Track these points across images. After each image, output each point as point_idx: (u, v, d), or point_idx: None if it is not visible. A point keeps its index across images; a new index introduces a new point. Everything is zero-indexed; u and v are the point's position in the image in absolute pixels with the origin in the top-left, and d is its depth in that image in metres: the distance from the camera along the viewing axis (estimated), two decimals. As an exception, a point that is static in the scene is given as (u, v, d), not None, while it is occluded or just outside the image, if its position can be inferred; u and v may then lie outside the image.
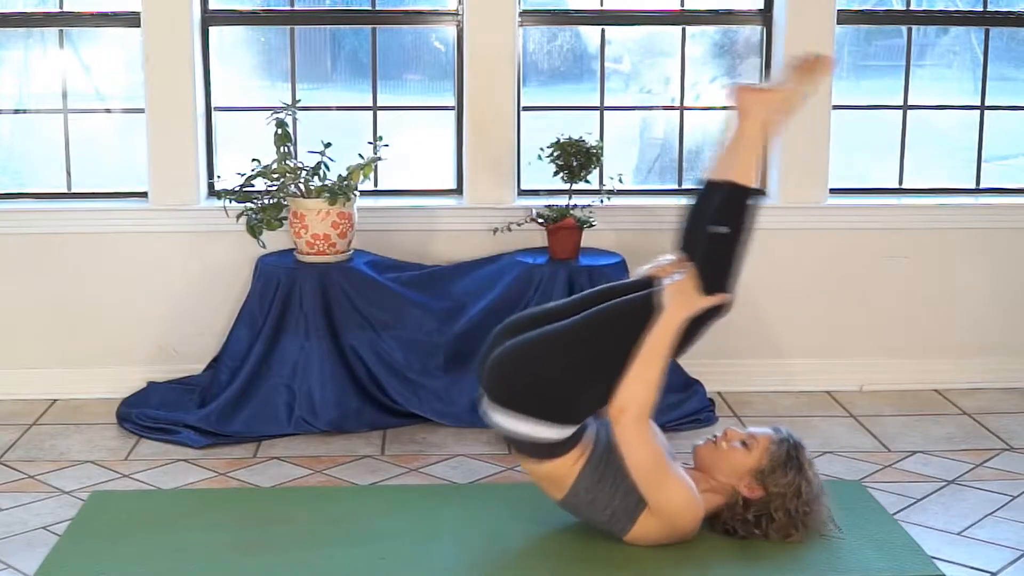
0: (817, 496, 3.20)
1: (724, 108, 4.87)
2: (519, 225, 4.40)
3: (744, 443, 3.20)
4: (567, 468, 3.12)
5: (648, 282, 3.26)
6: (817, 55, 3.31)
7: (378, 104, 4.70)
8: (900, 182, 4.86)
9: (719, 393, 4.55)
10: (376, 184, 4.71)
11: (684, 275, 3.13)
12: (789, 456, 3.17)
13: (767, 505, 3.16)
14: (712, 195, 3.20)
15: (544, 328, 3.18)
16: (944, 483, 3.73)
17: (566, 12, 4.81)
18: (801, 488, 3.16)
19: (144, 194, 4.58)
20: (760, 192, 3.24)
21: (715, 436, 3.27)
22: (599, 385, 3.09)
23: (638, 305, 3.15)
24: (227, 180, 4.40)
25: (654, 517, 3.11)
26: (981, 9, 4.81)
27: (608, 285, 3.42)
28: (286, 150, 4.29)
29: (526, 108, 4.67)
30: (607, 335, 3.12)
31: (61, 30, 4.60)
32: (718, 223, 3.15)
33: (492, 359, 3.17)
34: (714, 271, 3.13)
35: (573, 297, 3.44)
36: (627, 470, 3.08)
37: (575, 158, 4.28)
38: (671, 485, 3.09)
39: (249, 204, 4.31)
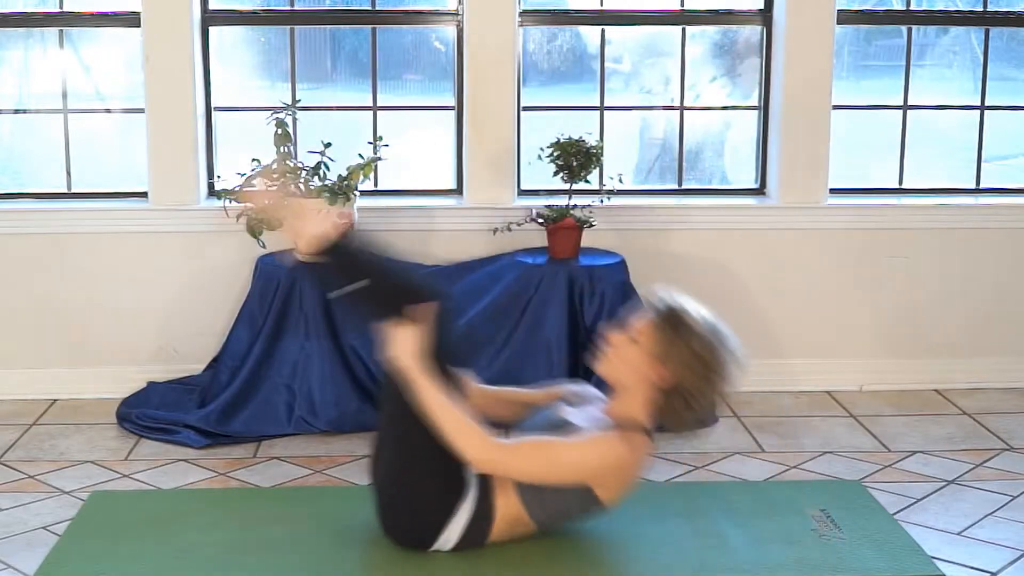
0: (715, 343, 3.07)
1: (724, 108, 4.90)
2: (519, 225, 4.40)
3: (630, 339, 3.09)
4: (512, 512, 3.09)
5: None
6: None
7: (378, 104, 4.70)
8: (900, 182, 4.86)
9: (728, 393, 4.53)
10: (376, 184, 4.71)
11: (385, 329, 3.07)
12: (671, 324, 3.05)
13: (682, 382, 3.05)
14: (319, 270, 3.22)
15: (373, 455, 3.17)
16: (944, 483, 3.73)
17: (566, 12, 4.81)
18: (695, 347, 3.04)
19: (144, 194, 4.58)
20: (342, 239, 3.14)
21: (603, 349, 3.16)
22: (437, 460, 3.03)
23: (393, 387, 3.08)
24: (227, 180, 4.40)
25: (599, 482, 3.06)
26: (981, 9, 4.81)
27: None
28: (286, 150, 4.28)
29: (526, 108, 4.67)
30: (410, 431, 3.05)
31: (61, 30, 4.60)
32: (343, 285, 3.10)
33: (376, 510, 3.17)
34: (383, 310, 3.08)
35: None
36: None
37: (575, 158, 4.28)
38: (573, 457, 3.02)
39: (249, 204, 4.30)
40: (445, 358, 3.08)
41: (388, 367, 3.07)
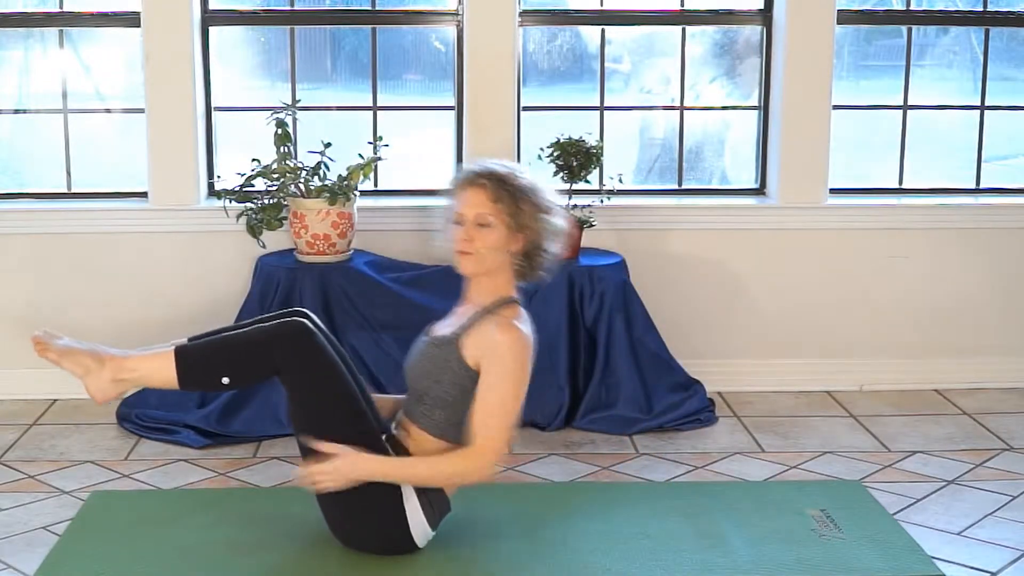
0: (534, 183, 3.09)
1: (724, 108, 4.90)
2: (519, 225, 4.39)
3: (480, 224, 3.06)
4: (427, 444, 3.08)
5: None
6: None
7: (378, 104, 4.70)
8: (900, 182, 4.86)
9: (719, 393, 4.55)
10: (376, 184, 4.71)
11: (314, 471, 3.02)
12: (509, 192, 3.04)
13: (534, 236, 3.08)
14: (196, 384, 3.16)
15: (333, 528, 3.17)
16: (944, 483, 3.73)
17: (566, 12, 4.81)
18: (532, 199, 3.06)
19: (144, 194, 4.58)
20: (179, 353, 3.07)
21: (459, 250, 3.10)
22: (344, 430, 3.03)
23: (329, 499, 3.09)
24: (227, 180, 4.40)
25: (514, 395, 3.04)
26: (981, 9, 4.81)
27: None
28: (286, 150, 4.29)
29: (526, 108, 4.67)
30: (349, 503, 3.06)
31: (61, 30, 4.60)
32: (215, 385, 3.08)
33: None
34: (259, 365, 3.06)
35: None
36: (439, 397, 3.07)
37: (575, 158, 4.28)
38: (516, 380, 3.02)
39: (249, 204, 4.31)
40: (350, 376, 3.07)
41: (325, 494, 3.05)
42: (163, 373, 3.03)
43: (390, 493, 3.04)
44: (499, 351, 3.02)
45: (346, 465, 2.97)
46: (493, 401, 3.00)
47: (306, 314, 3.25)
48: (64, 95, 4.63)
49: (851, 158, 4.92)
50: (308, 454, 3.04)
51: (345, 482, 2.98)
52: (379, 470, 3.00)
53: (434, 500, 3.08)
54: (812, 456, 3.96)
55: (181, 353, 3.03)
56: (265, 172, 4.25)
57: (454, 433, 3.07)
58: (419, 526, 3.08)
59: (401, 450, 3.10)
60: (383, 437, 3.09)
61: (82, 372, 3.07)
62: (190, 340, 3.16)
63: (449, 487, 3.10)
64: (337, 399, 3.03)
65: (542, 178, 3.14)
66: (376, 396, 3.30)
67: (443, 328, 3.18)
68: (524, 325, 3.10)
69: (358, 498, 3.03)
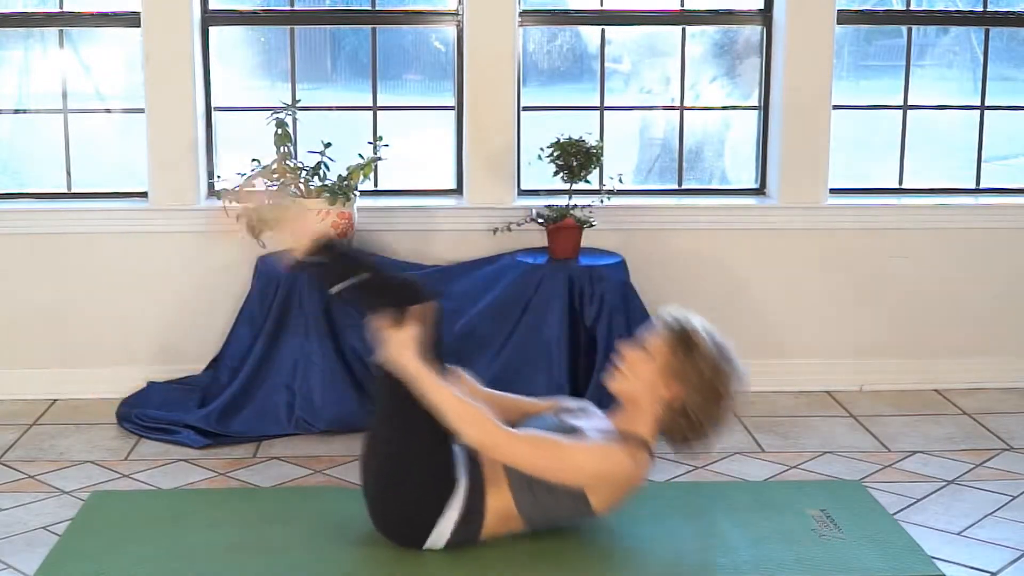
0: (720, 361, 3.12)
1: (724, 108, 4.90)
2: (519, 225, 4.40)
3: (643, 355, 3.14)
4: (503, 509, 3.10)
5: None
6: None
7: (378, 104, 4.70)
8: (900, 182, 4.86)
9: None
10: (376, 184, 4.71)
11: (381, 330, 3.09)
12: (683, 341, 3.11)
13: (689, 396, 3.10)
14: (316, 269, 3.23)
15: (363, 457, 3.18)
16: (944, 483, 3.73)
17: (566, 12, 4.81)
18: (702, 366, 3.09)
19: (144, 194, 4.58)
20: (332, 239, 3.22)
21: (615, 364, 3.21)
22: (427, 451, 3.07)
23: (387, 387, 3.10)
24: (227, 180, 4.40)
25: (596, 489, 3.08)
26: (981, 9, 4.81)
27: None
28: (286, 150, 4.29)
29: (526, 108, 4.67)
30: (401, 429, 3.09)
31: (61, 30, 4.60)
32: (339, 281, 3.14)
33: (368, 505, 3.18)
34: (386, 302, 3.12)
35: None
36: None
37: (575, 158, 4.28)
38: (576, 459, 3.05)
39: (247, 204, 4.30)
40: (440, 357, 3.13)
41: (384, 366, 3.08)
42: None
43: (437, 498, 3.06)
44: (603, 443, 3.10)
45: (406, 347, 3.03)
46: (557, 445, 3.05)
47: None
48: (64, 95, 4.63)
49: (851, 158, 4.92)
50: (386, 423, 3.11)
51: (395, 354, 3.03)
52: (420, 373, 3.02)
53: (468, 529, 3.09)
54: (812, 456, 3.96)
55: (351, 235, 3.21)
56: (265, 172, 4.25)
57: (527, 508, 3.10)
58: (436, 540, 3.09)
59: (479, 477, 3.10)
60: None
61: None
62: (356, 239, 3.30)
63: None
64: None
65: (741, 364, 3.18)
66: (515, 398, 3.43)
67: (582, 423, 3.21)
68: (637, 466, 3.12)
69: (408, 482, 3.05)
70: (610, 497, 3.12)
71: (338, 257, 3.20)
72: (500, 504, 3.10)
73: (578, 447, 3.07)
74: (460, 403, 3.05)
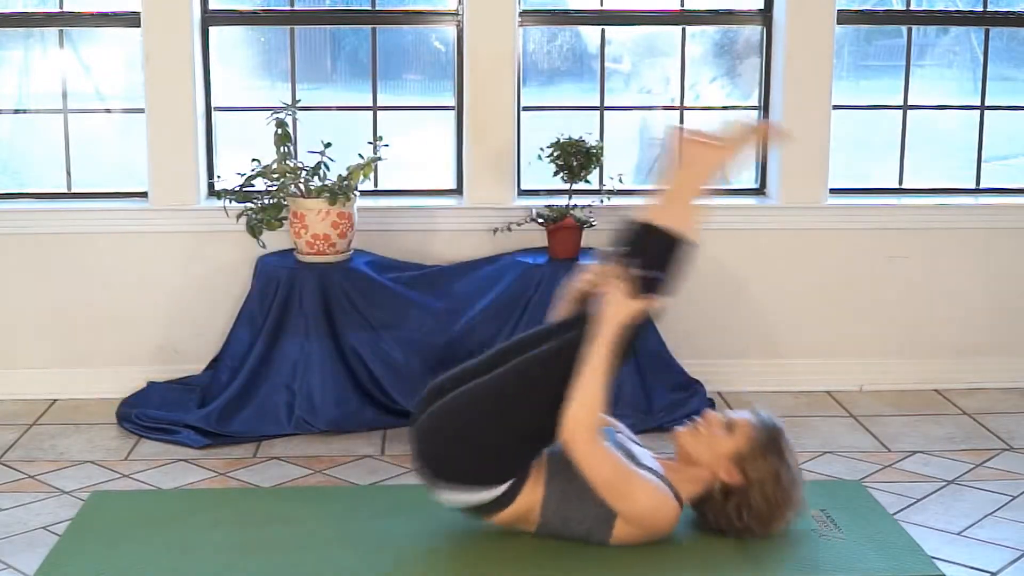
0: (795, 482, 3.17)
1: (724, 108, 4.90)
2: (519, 225, 4.40)
3: (725, 427, 3.18)
4: (528, 502, 3.10)
5: (559, 327, 3.20)
6: (763, 124, 3.27)
7: (378, 104, 4.70)
8: (900, 182, 4.86)
9: (719, 393, 4.55)
10: (376, 184, 4.71)
11: (617, 283, 3.09)
12: (770, 440, 3.15)
13: (746, 492, 3.13)
14: (647, 237, 3.14)
15: (470, 396, 3.12)
16: (944, 483, 3.73)
17: (566, 12, 4.81)
18: (780, 473, 3.13)
19: (144, 194, 4.58)
20: (694, 245, 3.19)
21: (695, 420, 3.24)
22: (539, 433, 3.06)
23: (563, 348, 3.08)
24: (227, 180, 4.40)
25: (628, 519, 3.09)
26: (981, 9, 4.81)
27: (518, 338, 3.32)
28: (286, 150, 4.29)
29: (526, 108, 4.67)
30: (537, 387, 3.07)
31: (61, 30, 4.60)
32: (652, 268, 3.11)
33: (419, 430, 3.14)
34: (647, 282, 3.09)
35: (493, 351, 3.31)
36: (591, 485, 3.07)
37: (575, 158, 4.28)
38: (638, 491, 3.06)
39: (249, 204, 4.31)
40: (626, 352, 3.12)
41: (582, 322, 3.07)
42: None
43: (502, 475, 3.04)
44: (661, 486, 3.10)
45: (623, 317, 3.04)
46: (628, 470, 3.06)
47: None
48: (64, 95, 4.63)
49: (851, 158, 4.92)
50: (504, 387, 3.08)
51: (611, 313, 3.03)
52: (607, 347, 3.02)
53: (489, 509, 3.08)
54: (812, 456, 3.95)
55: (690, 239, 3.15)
56: (265, 172, 4.25)
57: (549, 514, 3.10)
58: (467, 499, 3.08)
59: (526, 474, 3.08)
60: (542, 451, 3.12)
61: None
62: None
63: (578, 394, 3.03)
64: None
65: (805, 496, 3.22)
66: None
67: (639, 453, 3.23)
68: (673, 524, 3.13)
69: (498, 446, 3.04)
70: (631, 535, 3.13)
71: (678, 257, 3.13)
72: (528, 499, 3.09)
73: (645, 483, 3.07)
74: (598, 388, 3.01)
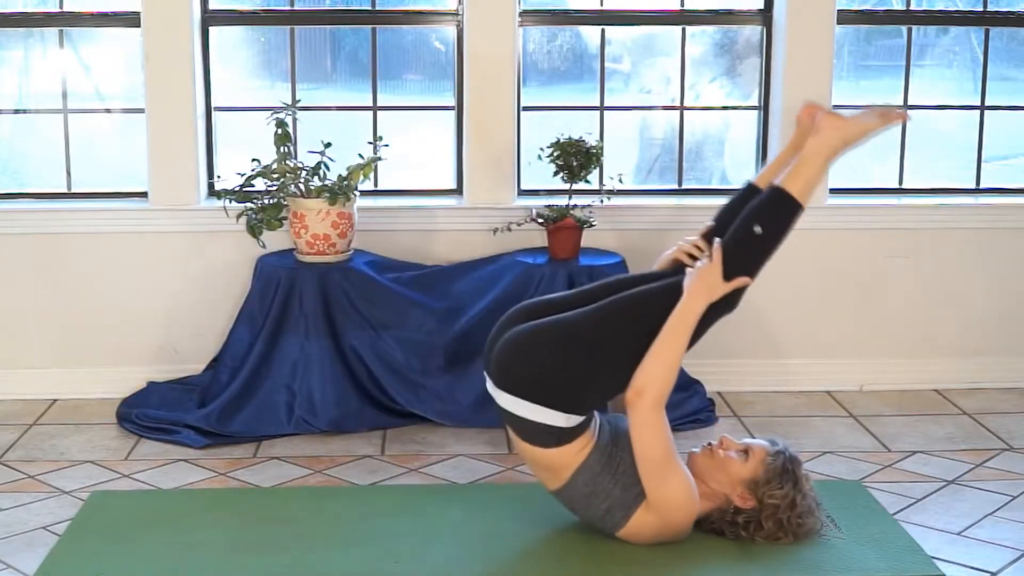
0: (810, 510, 3.20)
1: (724, 108, 4.90)
2: (519, 225, 4.40)
3: (741, 453, 3.20)
4: (570, 457, 3.12)
5: (659, 275, 3.29)
6: (898, 111, 3.39)
7: (378, 104, 4.70)
8: (900, 182, 4.86)
9: (719, 393, 4.55)
10: (376, 184, 4.71)
11: (709, 260, 3.17)
12: (785, 469, 3.17)
13: (758, 515, 3.16)
14: (761, 196, 3.29)
15: (560, 316, 3.18)
16: (944, 483, 3.73)
17: (566, 12, 4.81)
18: (795, 501, 3.16)
19: (144, 194, 4.58)
20: (802, 210, 3.31)
21: (711, 444, 3.26)
22: (616, 374, 3.10)
23: (658, 294, 3.16)
24: (227, 180, 4.40)
25: (651, 513, 3.10)
26: (981, 9, 4.81)
27: (617, 277, 3.43)
28: (286, 150, 4.28)
29: (526, 108, 4.67)
30: (629, 324, 3.13)
31: (61, 30, 4.60)
32: (759, 223, 3.22)
33: (504, 343, 3.16)
34: (740, 260, 3.17)
35: (583, 288, 3.42)
36: (631, 461, 3.08)
37: (575, 158, 4.28)
38: (675, 479, 3.08)
39: (249, 204, 4.31)
40: (698, 328, 3.16)
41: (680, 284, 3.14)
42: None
43: (572, 406, 3.06)
44: (689, 499, 3.13)
45: (712, 293, 3.13)
46: (673, 458, 3.09)
47: None
48: (64, 95, 4.63)
49: (851, 158, 4.90)
50: (596, 327, 3.14)
51: (703, 288, 3.12)
52: (692, 318, 3.11)
53: (539, 436, 3.09)
54: (812, 456, 3.95)
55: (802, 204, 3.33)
56: (265, 172, 4.25)
57: (579, 481, 3.12)
58: (531, 410, 3.08)
59: (581, 429, 3.12)
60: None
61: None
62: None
63: (654, 359, 3.08)
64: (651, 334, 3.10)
65: (820, 523, 3.25)
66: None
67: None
68: (685, 529, 3.16)
69: (577, 376, 3.08)
70: (644, 528, 3.14)
71: (788, 218, 3.28)
72: (572, 453, 3.11)
73: (683, 475, 3.10)
74: (678, 362, 3.09)
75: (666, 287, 3.20)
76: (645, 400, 3.05)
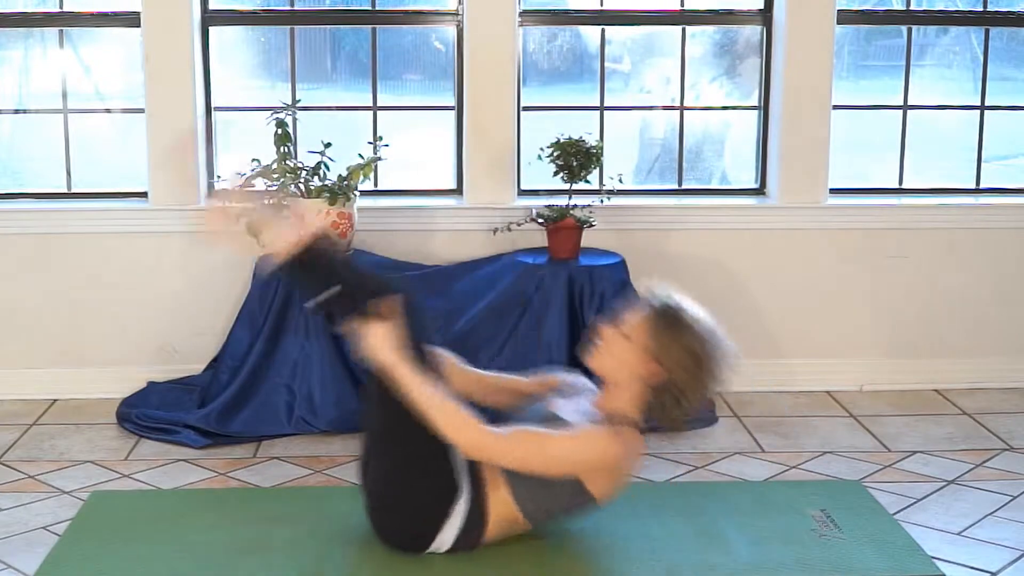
0: (710, 342, 3.05)
1: (724, 108, 4.91)
2: (519, 225, 4.40)
3: (622, 336, 3.08)
4: (503, 508, 3.07)
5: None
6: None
7: (378, 104, 4.70)
8: (900, 182, 4.86)
9: (719, 393, 4.54)
10: (376, 184, 4.71)
11: (359, 330, 3.04)
12: (667, 322, 3.04)
13: (672, 379, 3.03)
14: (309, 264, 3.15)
15: (368, 466, 3.13)
16: (944, 483, 3.73)
17: (566, 12, 4.81)
18: (692, 346, 3.02)
19: (144, 194, 4.58)
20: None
21: (595, 343, 3.13)
22: (428, 463, 3.04)
23: (378, 395, 3.06)
24: (227, 180, 4.40)
25: (590, 476, 3.05)
26: (981, 9, 4.81)
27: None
28: (286, 150, 4.29)
29: (526, 108, 4.67)
30: (397, 439, 3.05)
31: (61, 30, 4.60)
32: (321, 291, 3.10)
33: (367, 512, 3.15)
34: (357, 301, 3.06)
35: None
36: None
37: (575, 158, 4.28)
38: (564, 447, 3.00)
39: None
40: (421, 350, 3.07)
41: (369, 366, 3.05)
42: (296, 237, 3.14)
43: (440, 504, 3.03)
44: (588, 429, 3.04)
45: (382, 343, 2.98)
46: (542, 439, 3.00)
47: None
48: (64, 95, 4.63)
49: (851, 158, 4.92)
50: (388, 428, 3.06)
51: (376, 348, 2.98)
52: (399, 371, 2.97)
53: (470, 534, 3.07)
54: (812, 456, 3.96)
55: (320, 237, 3.14)
56: (265, 172, 4.25)
57: (530, 507, 3.07)
58: (440, 544, 3.07)
59: (479, 481, 3.06)
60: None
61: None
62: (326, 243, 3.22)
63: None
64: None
65: (729, 342, 3.09)
66: (505, 377, 3.40)
67: (565, 411, 3.17)
68: (627, 447, 3.08)
69: (411, 488, 3.03)
70: (606, 482, 3.09)
71: (311, 265, 3.12)
72: (502, 507, 3.08)
73: (564, 438, 3.02)
74: (444, 404, 2.98)
75: (369, 382, 3.11)
76: (473, 453, 2.99)
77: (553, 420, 3.11)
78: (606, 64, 4.76)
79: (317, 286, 3.10)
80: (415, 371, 2.99)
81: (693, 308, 3.10)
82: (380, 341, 3.00)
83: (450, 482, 3.04)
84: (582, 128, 4.43)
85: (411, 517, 3.07)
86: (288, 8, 4.67)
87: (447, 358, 3.33)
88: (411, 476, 3.05)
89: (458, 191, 4.70)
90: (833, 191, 4.72)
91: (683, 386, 3.04)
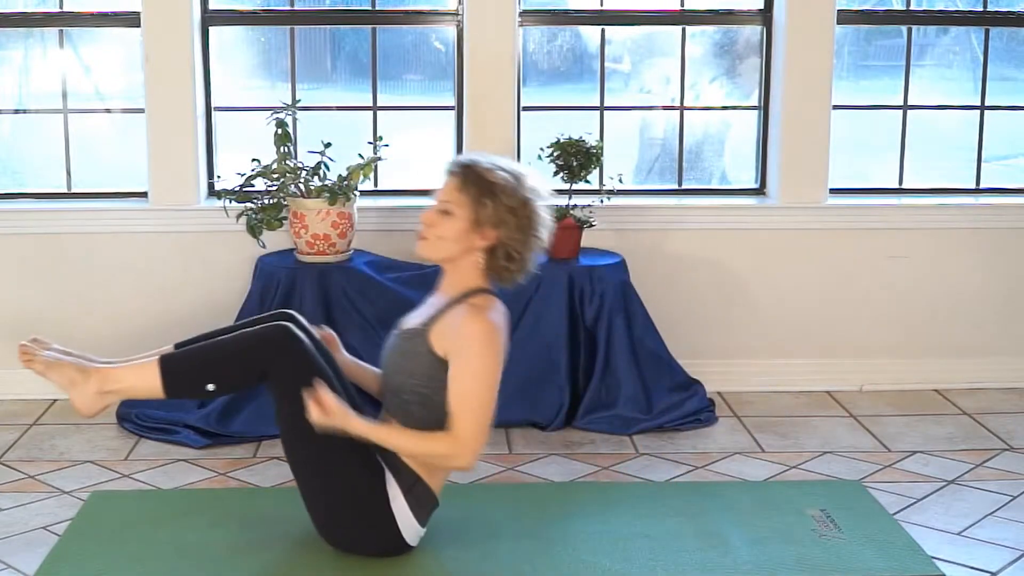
0: (517, 186, 3.03)
1: (724, 108, 4.91)
2: (519, 225, 4.39)
3: (442, 212, 3.08)
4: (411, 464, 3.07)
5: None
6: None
7: (378, 104, 4.70)
8: (900, 182, 4.86)
9: (719, 393, 4.55)
10: (376, 184, 4.71)
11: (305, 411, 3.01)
12: (476, 185, 3.03)
13: (502, 237, 3.03)
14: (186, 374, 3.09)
15: (311, 512, 3.13)
16: (944, 483, 3.73)
17: (566, 12, 4.81)
18: (506, 200, 3.01)
19: (144, 194, 4.58)
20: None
21: (419, 231, 3.14)
22: (348, 458, 3.02)
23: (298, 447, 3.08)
24: (227, 180, 4.40)
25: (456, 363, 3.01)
26: (981, 9, 4.81)
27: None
28: (286, 150, 4.29)
29: (526, 108, 4.67)
30: (312, 465, 3.06)
31: (61, 30, 4.60)
32: (199, 393, 3.11)
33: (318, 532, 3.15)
34: (249, 372, 3.07)
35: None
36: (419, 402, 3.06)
37: (575, 158, 4.28)
38: (489, 370, 2.99)
39: (249, 204, 4.31)
40: (328, 357, 3.14)
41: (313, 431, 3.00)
42: (148, 383, 3.04)
43: (375, 495, 3.02)
44: (466, 340, 2.99)
45: (339, 416, 2.95)
46: (464, 391, 2.98)
47: (292, 316, 3.24)
48: (64, 95, 4.63)
49: (851, 158, 4.92)
50: (295, 458, 3.08)
51: (333, 425, 2.94)
52: (366, 430, 2.98)
53: (421, 497, 3.06)
54: (812, 456, 3.96)
55: (166, 362, 3.04)
56: (265, 172, 4.25)
57: (435, 428, 3.05)
58: (408, 526, 3.07)
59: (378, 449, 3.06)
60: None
61: (67, 384, 3.09)
62: (176, 346, 3.18)
63: (430, 468, 3.06)
64: None
65: (539, 181, 3.11)
66: (357, 367, 3.37)
67: (413, 320, 3.18)
68: (494, 314, 3.07)
69: (344, 502, 3.03)
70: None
71: (178, 384, 3.06)
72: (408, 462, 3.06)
73: (469, 357, 2.97)
74: (420, 439, 3.01)
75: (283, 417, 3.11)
76: (466, 462, 2.99)
77: (410, 336, 3.10)
78: (606, 64, 4.76)
79: (195, 391, 3.09)
80: (371, 425, 3.00)
81: (494, 161, 3.09)
82: (337, 415, 2.96)
83: (368, 461, 3.03)
84: (582, 128, 4.43)
85: (364, 514, 3.05)
86: (288, 8, 4.67)
87: (333, 338, 3.34)
88: (336, 480, 3.03)
89: (458, 191, 4.69)
90: (833, 191, 4.72)
91: (511, 239, 3.05)
